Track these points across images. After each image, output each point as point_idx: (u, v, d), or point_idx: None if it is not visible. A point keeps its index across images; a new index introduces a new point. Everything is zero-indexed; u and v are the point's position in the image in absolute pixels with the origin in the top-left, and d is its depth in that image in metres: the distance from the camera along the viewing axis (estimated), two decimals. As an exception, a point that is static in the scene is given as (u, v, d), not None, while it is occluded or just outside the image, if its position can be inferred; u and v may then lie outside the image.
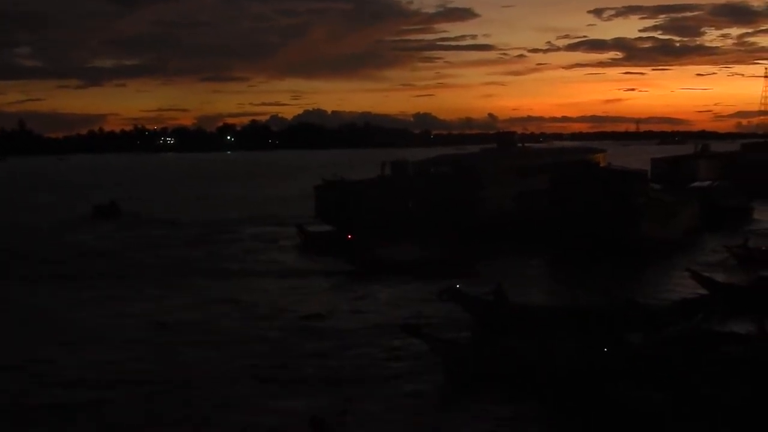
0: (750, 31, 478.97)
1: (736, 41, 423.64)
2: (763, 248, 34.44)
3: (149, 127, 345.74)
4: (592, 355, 16.52)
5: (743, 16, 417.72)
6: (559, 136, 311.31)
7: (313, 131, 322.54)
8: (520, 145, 56.05)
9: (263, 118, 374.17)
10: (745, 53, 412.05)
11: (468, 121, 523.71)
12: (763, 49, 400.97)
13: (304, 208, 54.42)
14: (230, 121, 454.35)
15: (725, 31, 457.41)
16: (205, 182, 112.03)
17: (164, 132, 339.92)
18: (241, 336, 23.20)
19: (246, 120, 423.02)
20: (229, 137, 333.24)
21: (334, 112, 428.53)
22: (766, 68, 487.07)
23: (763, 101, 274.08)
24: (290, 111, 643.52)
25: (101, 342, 22.92)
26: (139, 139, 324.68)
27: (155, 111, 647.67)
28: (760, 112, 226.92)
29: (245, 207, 68.17)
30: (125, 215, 62.09)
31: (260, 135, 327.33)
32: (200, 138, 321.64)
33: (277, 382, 18.65)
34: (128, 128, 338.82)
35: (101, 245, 45.97)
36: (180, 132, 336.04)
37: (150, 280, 33.58)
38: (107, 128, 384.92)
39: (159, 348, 22.06)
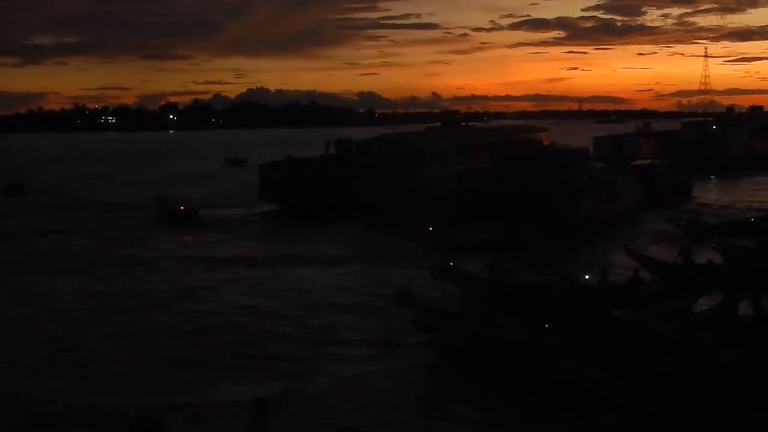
0: (690, 11, 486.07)
1: (676, 21, 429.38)
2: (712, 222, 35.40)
3: (90, 105, 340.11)
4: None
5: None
6: (502, 115, 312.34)
7: (256, 110, 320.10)
8: (463, 123, 56.14)
9: (206, 97, 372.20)
10: (685, 33, 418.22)
11: (412, 100, 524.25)
12: (702, 29, 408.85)
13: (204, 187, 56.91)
14: (173, 99, 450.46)
15: (666, 11, 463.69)
16: (134, 161, 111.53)
17: (105, 111, 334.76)
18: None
19: (189, 99, 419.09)
20: (171, 116, 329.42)
21: (278, 91, 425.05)
22: (705, 48, 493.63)
23: (702, 80, 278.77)
24: (234, 90, 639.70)
25: None
26: (80, 118, 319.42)
27: (96, 89, 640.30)
28: (700, 92, 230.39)
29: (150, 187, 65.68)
30: (33, 194, 64.12)
31: (203, 114, 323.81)
32: (142, 117, 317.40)
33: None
34: (69, 107, 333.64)
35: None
36: (122, 111, 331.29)
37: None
38: (47, 107, 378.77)
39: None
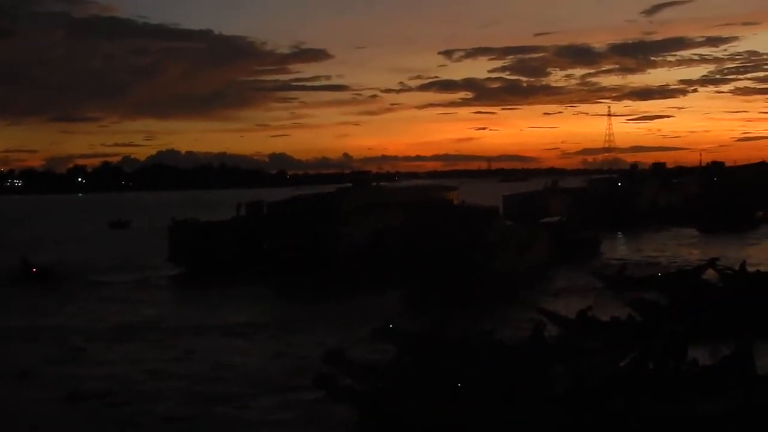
0: (592, 71, 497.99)
1: (579, 81, 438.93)
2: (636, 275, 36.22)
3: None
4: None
5: (585, 57, 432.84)
6: (414, 175, 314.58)
7: (166, 172, 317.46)
8: (375, 184, 56.41)
9: (116, 159, 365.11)
10: (589, 92, 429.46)
11: (324, 161, 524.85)
12: (605, 89, 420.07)
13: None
14: (81, 162, 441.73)
15: (569, 71, 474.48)
16: (18, 224, 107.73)
17: (11, 174, 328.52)
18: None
19: (98, 161, 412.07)
20: (80, 179, 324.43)
21: (188, 153, 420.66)
22: (608, 107, 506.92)
23: (607, 138, 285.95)
24: (143, 152, 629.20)
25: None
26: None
27: (1, 152, 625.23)
28: (605, 149, 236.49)
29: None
30: None
31: (112, 176, 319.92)
32: (50, 180, 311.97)
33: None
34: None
35: None
36: (28, 174, 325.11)
37: None
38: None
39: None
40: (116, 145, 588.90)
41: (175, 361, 25.63)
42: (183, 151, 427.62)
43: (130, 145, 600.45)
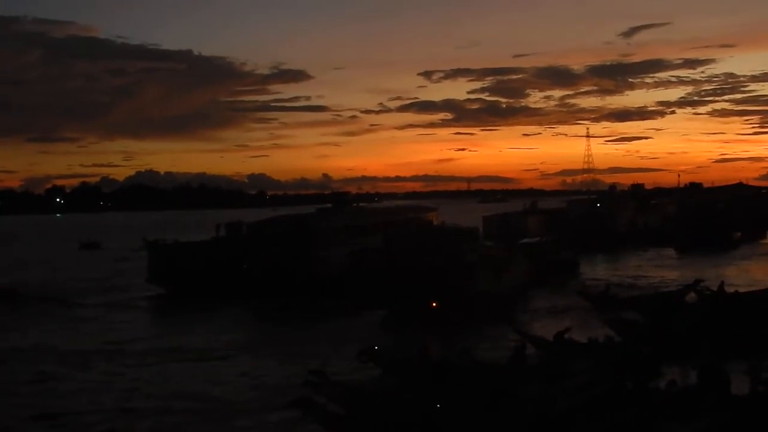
0: (571, 92, 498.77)
1: (558, 102, 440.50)
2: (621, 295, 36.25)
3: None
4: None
5: (564, 78, 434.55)
6: (393, 196, 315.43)
7: (145, 192, 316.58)
8: (354, 204, 56.46)
9: (94, 180, 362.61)
10: (568, 114, 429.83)
11: (303, 182, 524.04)
12: (583, 110, 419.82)
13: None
14: (60, 182, 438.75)
15: (548, 93, 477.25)
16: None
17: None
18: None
19: (76, 182, 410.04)
20: (58, 199, 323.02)
21: (167, 173, 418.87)
22: (587, 128, 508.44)
23: (586, 160, 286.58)
24: (122, 172, 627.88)
25: None
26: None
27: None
28: (584, 170, 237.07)
29: None
30: None
31: (91, 197, 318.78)
32: (28, 200, 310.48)
33: None
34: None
35: None
36: (6, 194, 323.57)
37: None
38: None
39: None
40: (95, 165, 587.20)
41: (148, 384, 25.34)
42: (162, 172, 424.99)
43: (108, 165, 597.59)
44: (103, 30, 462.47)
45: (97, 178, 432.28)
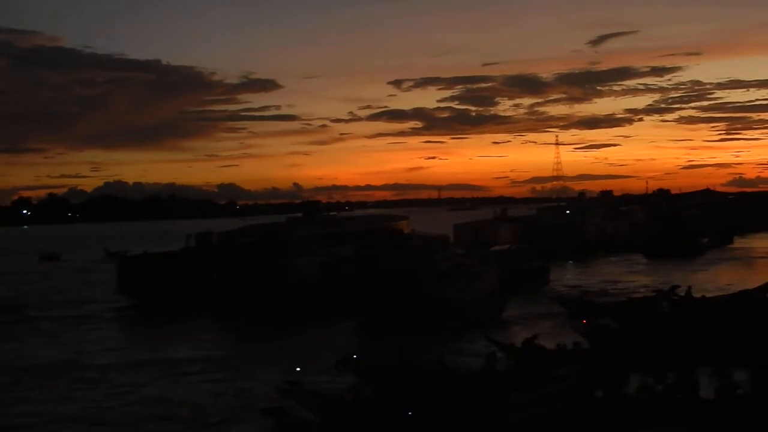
0: (540, 101, 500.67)
1: (527, 110, 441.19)
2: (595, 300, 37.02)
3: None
4: None
5: (533, 86, 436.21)
6: (363, 204, 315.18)
7: (114, 204, 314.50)
8: (326, 213, 56.43)
9: (62, 191, 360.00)
10: (537, 121, 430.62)
11: (273, 191, 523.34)
12: (552, 118, 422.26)
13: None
14: (26, 194, 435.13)
15: (517, 101, 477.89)
16: None
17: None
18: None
19: (43, 193, 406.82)
20: (25, 211, 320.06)
21: (136, 184, 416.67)
22: (556, 136, 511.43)
23: (555, 167, 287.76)
24: (90, 183, 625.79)
25: None
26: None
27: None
28: (553, 178, 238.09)
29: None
30: None
31: (59, 208, 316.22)
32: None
33: None
34: None
35: None
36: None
37: None
38: None
39: None
40: (62, 176, 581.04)
41: (114, 398, 24.81)
42: (131, 182, 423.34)
43: (76, 176, 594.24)
44: (69, 40, 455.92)
45: (65, 189, 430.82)
